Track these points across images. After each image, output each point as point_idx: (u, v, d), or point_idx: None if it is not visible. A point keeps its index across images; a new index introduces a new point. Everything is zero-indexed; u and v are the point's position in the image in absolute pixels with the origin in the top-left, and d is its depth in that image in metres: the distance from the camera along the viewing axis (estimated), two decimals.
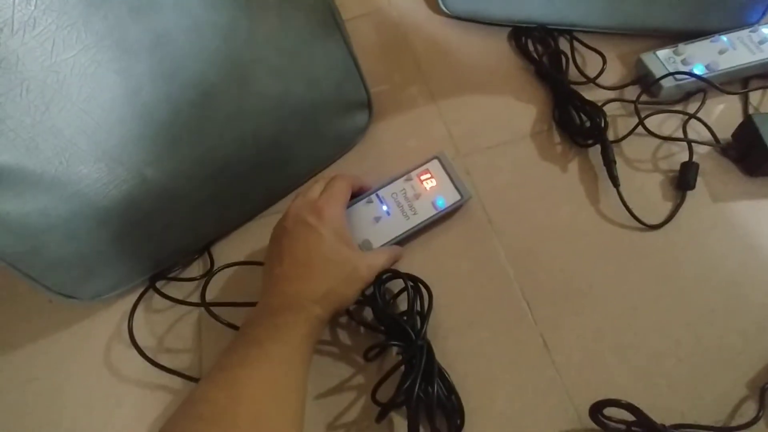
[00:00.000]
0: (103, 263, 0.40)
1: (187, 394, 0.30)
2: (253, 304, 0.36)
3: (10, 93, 0.30)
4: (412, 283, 0.36)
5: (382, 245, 0.39)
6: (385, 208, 0.40)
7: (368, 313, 0.38)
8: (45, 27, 0.29)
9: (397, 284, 0.38)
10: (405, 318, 0.35)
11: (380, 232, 0.39)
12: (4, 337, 0.43)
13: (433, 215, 0.40)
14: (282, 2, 0.37)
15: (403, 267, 0.39)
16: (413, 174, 0.41)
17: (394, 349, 0.37)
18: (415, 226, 0.40)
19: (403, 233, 0.39)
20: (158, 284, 0.43)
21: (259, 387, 0.29)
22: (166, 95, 0.34)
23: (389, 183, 0.41)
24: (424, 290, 0.37)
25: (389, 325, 0.36)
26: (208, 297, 0.40)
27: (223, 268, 0.41)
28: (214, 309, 0.39)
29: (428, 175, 0.41)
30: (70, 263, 0.38)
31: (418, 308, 0.36)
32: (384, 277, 0.37)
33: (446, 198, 0.40)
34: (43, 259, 0.36)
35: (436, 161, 0.42)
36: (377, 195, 0.41)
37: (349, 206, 0.40)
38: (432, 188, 0.41)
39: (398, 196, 0.41)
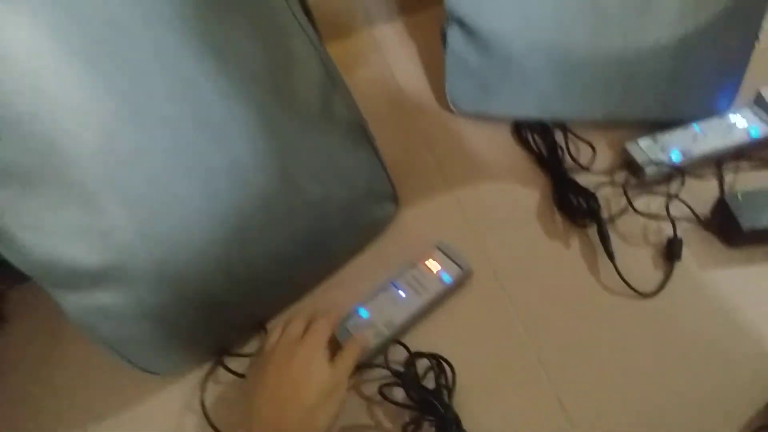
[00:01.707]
0: (182, 343, 0.47)
1: None
2: None
3: (119, 215, 0.39)
4: (436, 362, 0.43)
5: (404, 321, 0.46)
6: (400, 292, 0.48)
7: (398, 392, 0.43)
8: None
9: (422, 363, 0.44)
10: (434, 393, 0.41)
11: (400, 310, 0.46)
12: (93, 408, 0.50)
13: (442, 289, 0.47)
14: (323, 122, 0.47)
15: (433, 340, 0.45)
16: (419, 262, 0.49)
17: (426, 423, 0.41)
18: (428, 301, 0.47)
19: (419, 308, 0.46)
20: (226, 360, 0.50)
21: None
22: (238, 206, 0.42)
23: (400, 273, 0.49)
24: (446, 366, 0.43)
25: (420, 401, 0.41)
26: None
27: None
28: None
29: (432, 260, 0.49)
30: (154, 344, 0.46)
31: (444, 383, 0.42)
32: (412, 357, 0.43)
33: (450, 274, 0.48)
34: (133, 341, 0.44)
35: (437, 250, 0.50)
36: (392, 283, 0.48)
37: (369, 299, 0.48)
38: (437, 270, 0.48)
39: (410, 280, 0.48)
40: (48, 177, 0.36)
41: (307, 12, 0.45)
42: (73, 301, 0.40)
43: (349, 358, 0.42)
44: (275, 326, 0.46)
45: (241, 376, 0.47)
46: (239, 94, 0.41)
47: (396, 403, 0.42)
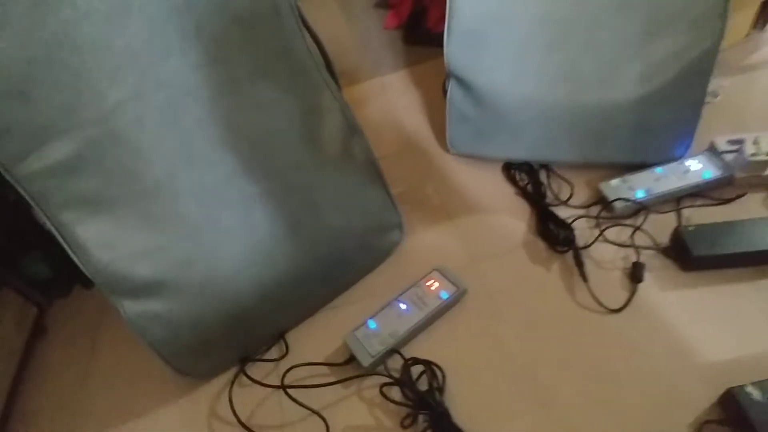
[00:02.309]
0: (213, 350, 0.54)
1: None
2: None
3: (177, 237, 0.47)
4: (428, 366, 0.50)
5: (406, 331, 0.53)
6: (404, 307, 0.56)
7: (396, 394, 0.50)
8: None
9: (418, 369, 0.51)
10: (426, 392, 0.48)
11: (403, 323, 0.54)
12: (127, 410, 0.57)
13: (440, 304, 0.55)
14: (344, 162, 0.56)
15: (429, 349, 0.52)
16: (420, 282, 0.57)
17: (421, 417, 0.48)
18: (427, 314, 0.54)
19: (419, 321, 0.54)
20: (247, 366, 0.57)
21: None
22: (271, 233, 0.51)
23: (404, 291, 0.57)
24: (438, 370, 0.50)
25: (415, 399, 0.48)
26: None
27: (297, 366, 0.54)
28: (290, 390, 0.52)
29: (432, 281, 0.57)
30: (192, 349, 0.53)
31: (436, 384, 0.49)
32: (407, 363, 0.51)
33: (448, 291, 0.56)
34: (176, 345, 0.52)
35: (436, 272, 0.58)
36: (397, 300, 0.56)
37: (376, 313, 0.55)
38: (436, 288, 0.56)
39: (412, 297, 0.56)
40: (122, 205, 0.45)
41: (330, 69, 0.54)
42: (131, 307, 0.48)
43: None
44: None
45: (259, 383, 0.54)
46: (274, 140, 0.50)
47: (394, 402, 0.49)
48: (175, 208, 0.47)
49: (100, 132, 0.42)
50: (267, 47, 0.48)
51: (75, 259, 0.45)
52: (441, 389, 0.49)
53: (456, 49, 0.64)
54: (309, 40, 0.51)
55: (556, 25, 0.58)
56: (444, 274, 0.57)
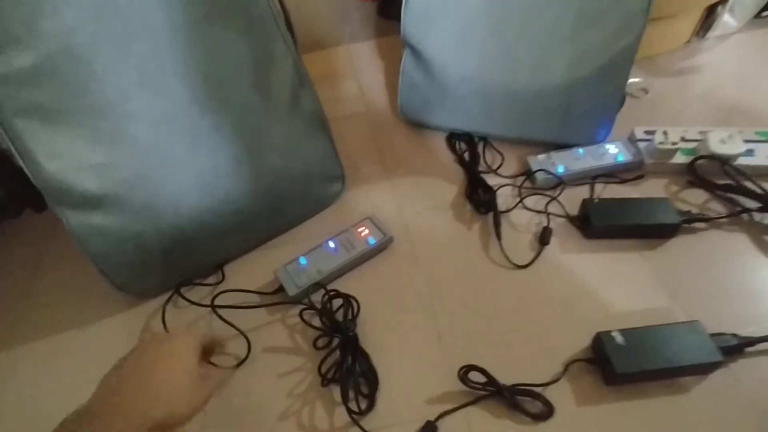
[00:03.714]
0: (152, 270, 0.58)
1: None
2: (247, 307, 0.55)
3: (124, 156, 0.51)
4: (346, 299, 0.55)
5: (332, 269, 0.58)
6: (333, 246, 0.60)
7: (316, 322, 0.55)
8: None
9: (338, 302, 0.56)
10: (342, 320, 0.54)
11: (331, 261, 0.59)
12: (71, 318, 0.61)
13: (366, 248, 0.60)
14: (291, 111, 0.60)
15: (350, 287, 0.57)
16: (352, 228, 0.62)
17: (335, 341, 0.53)
18: (354, 257, 0.59)
19: (345, 261, 0.59)
20: (183, 288, 0.61)
21: None
22: (215, 163, 0.55)
23: (336, 234, 0.62)
24: (354, 303, 0.56)
25: (330, 325, 0.53)
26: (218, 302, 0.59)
27: (229, 291, 0.59)
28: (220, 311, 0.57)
29: (363, 228, 0.62)
30: (131, 266, 0.57)
31: (351, 315, 0.55)
32: (330, 295, 0.55)
33: (375, 238, 0.61)
34: (116, 260, 0.55)
35: (368, 219, 0.63)
36: (327, 241, 0.61)
37: (308, 252, 0.60)
38: (365, 234, 0.61)
39: (342, 240, 0.61)
40: (75, 117, 0.48)
41: (289, 24, 0.58)
42: (74, 218, 0.52)
43: (221, 375, 0.44)
44: None
45: (193, 302, 0.59)
46: (227, 77, 0.54)
47: (312, 326, 0.55)
48: (125, 129, 0.50)
49: (57, 47, 0.45)
50: None
51: (23, 165, 0.48)
52: (354, 319, 0.54)
53: (411, 22, 0.69)
54: None
55: (498, 11, 0.63)
56: (374, 222, 0.63)
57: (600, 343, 0.48)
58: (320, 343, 0.53)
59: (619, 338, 0.48)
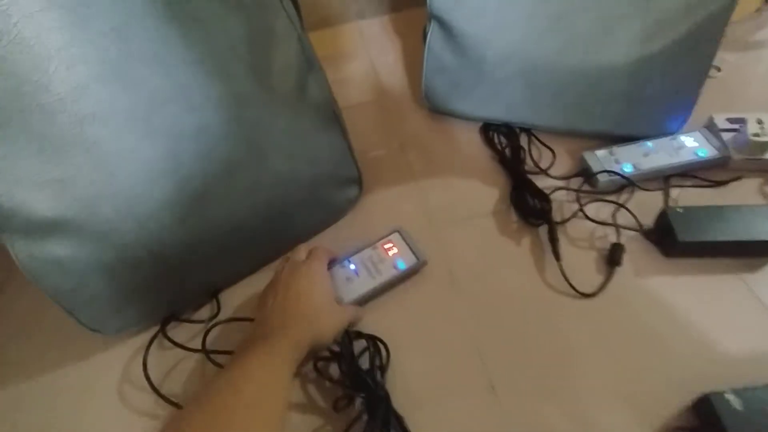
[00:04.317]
0: (129, 303, 0.47)
1: (172, 415, 0.34)
2: None
3: (82, 168, 0.39)
4: (372, 342, 0.44)
5: (352, 300, 0.47)
6: (353, 267, 0.49)
7: (334, 371, 0.44)
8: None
9: (360, 344, 0.44)
10: (367, 371, 0.42)
11: (351, 289, 0.48)
12: (34, 363, 0.50)
13: (394, 275, 0.48)
14: (296, 101, 0.48)
15: (375, 322, 0.46)
16: (378, 244, 0.51)
17: (359, 400, 0.42)
18: (379, 285, 0.48)
19: (369, 290, 0.47)
20: (171, 324, 0.50)
21: (243, 411, 0.32)
22: (202, 171, 0.43)
23: (358, 251, 0.50)
24: (382, 347, 0.44)
25: (354, 379, 0.42)
26: (214, 341, 0.47)
27: (224, 322, 0.48)
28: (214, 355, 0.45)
29: (390, 244, 0.50)
30: (102, 301, 0.46)
31: (378, 363, 0.43)
32: (349, 336, 0.44)
33: (405, 261, 0.49)
34: (82, 296, 0.44)
35: (397, 233, 0.51)
36: (348, 260, 0.50)
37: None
38: (393, 254, 0.50)
39: (365, 261, 0.49)
40: (12, 123, 0.36)
41: None
42: (24, 248, 0.40)
43: (356, 310, 0.46)
44: (283, 257, 0.50)
45: (181, 346, 0.47)
46: (215, 63, 0.42)
47: (330, 379, 0.43)
48: (80, 132, 0.38)
49: None
50: None
51: None
52: (383, 369, 0.43)
53: None
54: None
55: None
56: (404, 238, 0.51)
57: (709, 408, 0.37)
58: (341, 404, 0.42)
59: (735, 402, 0.37)
